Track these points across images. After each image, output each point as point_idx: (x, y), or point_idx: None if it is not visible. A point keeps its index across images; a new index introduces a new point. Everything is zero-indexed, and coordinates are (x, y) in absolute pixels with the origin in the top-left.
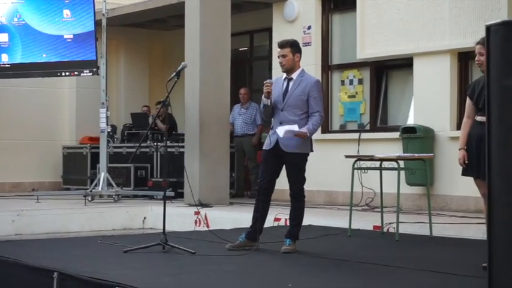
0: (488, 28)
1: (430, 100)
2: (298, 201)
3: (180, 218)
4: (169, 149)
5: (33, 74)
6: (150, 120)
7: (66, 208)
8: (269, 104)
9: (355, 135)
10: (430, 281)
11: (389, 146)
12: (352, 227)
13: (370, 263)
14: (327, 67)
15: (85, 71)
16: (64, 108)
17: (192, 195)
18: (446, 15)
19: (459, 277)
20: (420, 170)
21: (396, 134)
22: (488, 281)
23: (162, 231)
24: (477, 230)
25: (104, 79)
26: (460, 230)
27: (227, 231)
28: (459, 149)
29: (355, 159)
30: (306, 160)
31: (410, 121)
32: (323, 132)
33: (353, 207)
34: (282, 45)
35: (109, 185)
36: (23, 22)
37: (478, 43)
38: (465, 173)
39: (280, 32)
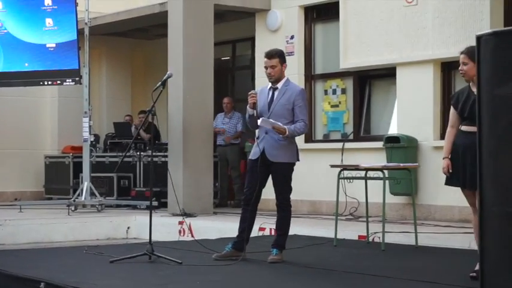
0: (479, 38)
1: (414, 110)
2: (284, 210)
3: (164, 227)
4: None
5: (16, 83)
6: (133, 129)
7: (50, 218)
8: (254, 114)
9: (339, 145)
10: None
11: (373, 156)
12: (338, 236)
13: (357, 273)
14: (310, 77)
15: (68, 80)
16: (46, 118)
17: (177, 204)
18: (429, 25)
19: (447, 286)
20: (405, 179)
21: (380, 144)
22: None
23: (146, 241)
24: (462, 240)
25: (87, 88)
26: (445, 240)
27: (212, 241)
28: (443, 158)
29: (340, 168)
30: (292, 170)
31: (394, 131)
32: (306, 141)
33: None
34: (270, 55)
35: (92, 194)
36: (5, 31)
37: (462, 52)
38: (449, 182)
39: (263, 42)
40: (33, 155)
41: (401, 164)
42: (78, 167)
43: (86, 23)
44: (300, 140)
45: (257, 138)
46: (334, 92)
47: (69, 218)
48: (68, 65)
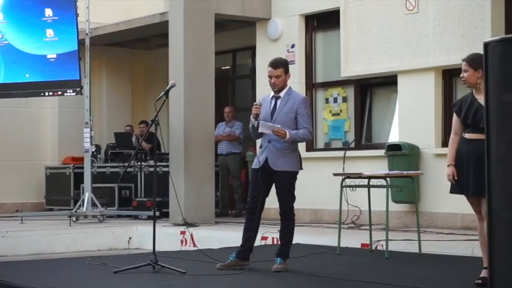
0: (487, 45)
1: (415, 117)
2: (287, 219)
3: (166, 237)
4: (153, 169)
5: (16, 94)
6: (134, 139)
7: (51, 229)
8: (256, 125)
9: (340, 153)
10: None
11: (374, 164)
12: (340, 245)
13: (362, 281)
14: (311, 85)
15: (68, 91)
16: (46, 129)
17: (181, 213)
18: (430, 33)
19: None
20: (407, 187)
21: (381, 152)
22: None
23: (148, 251)
24: (466, 247)
25: (88, 99)
26: (448, 247)
27: (215, 250)
28: (448, 166)
29: (342, 177)
30: (296, 178)
31: (395, 138)
32: (308, 150)
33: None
34: (276, 65)
35: (93, 205)
36: (6, 42)
37: (463, 60)
38: (453, 190)
39: (264, 51)
40: (34, 166)
41: (405, 172)
42: (78, 178)
43: (86, 34)
44: (301, 149)
45: (260, 147)
46: (335, 100)
47: (71, 228)
48: (69, 75)
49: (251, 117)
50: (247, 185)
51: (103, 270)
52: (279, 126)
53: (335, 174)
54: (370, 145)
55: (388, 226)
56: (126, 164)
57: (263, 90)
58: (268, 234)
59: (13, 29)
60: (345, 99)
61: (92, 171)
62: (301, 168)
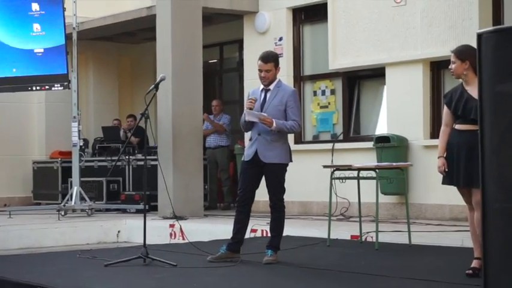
0: (480, 36)
1: (403, 109)
2: (278, 211)
3: (155, 231)
4: (141, 162)
5: (4, 88)
6: (121, 133)
7: (40, 223)
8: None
9: (329, 146)
10: None
11: (363, 156)
12: (330, 237)
13: (353, 272)
14: (299, 78)
15: (56, 85)
16: (33, 123)
17: (171, 206)
18: (418, 25)
19: (444, 284)
20: (397, 179)
21: (369, 144)
22: (483, 286)
23: (137, 244)
24: (455, 238)
25: (76, 93)
26: (438, 238)
27: (205, 243)
28: (438, 157)
29: (332, 169)
30: (286, 170)
31: (384, 131)
32: (296, 143)
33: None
34: (266, 60)
35: (82, 199)
36: None
37: (452, 51)
38: (445, 181)
39: (252, 44)
40: (21, 161)
41: (394, 163)
42: (66, 172)
43: (73, 28)
44: (289, 142)
45: (250, 139)
46: (323, 93)
47: (60, 222)
48: (56, 70)
49: (244, 111)
50: (236, 178)
51: (93, 263)
52: (265, 114)
53: (325, 166)
54: (358, 137)
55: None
56: (114, 158)
57: (251, 84)
58: (258, 226)
59: (0, 23)
60: (333, 92)
61: (80, 165)
62: (291, 161)
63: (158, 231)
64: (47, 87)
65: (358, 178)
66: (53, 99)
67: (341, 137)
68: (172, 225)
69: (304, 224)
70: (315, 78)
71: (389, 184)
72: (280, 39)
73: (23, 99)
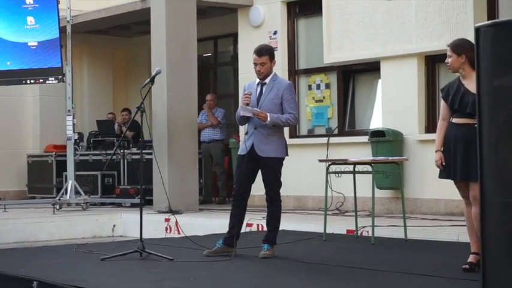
0: (478, 29)
1: (398, 104)
2: (274, 205)
3: (150, 225)
4: (136, 156)
5: None
6: (116, 127)
7: (35, 217)
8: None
9: (324, 140)
10: (411, 283)
11: (358, 150)
12: (326, 231)
13: (350, 267)
14: (293, 72)
15: (50, 79)
16: (28, 117)
17: (168, 200)
18: (413, 19)
19: (440, 279)
20: (392, 173)
21: (364, 138)
22: (481, 281)
23: (132, 238)
24: (451, 233)
25: (70, 86)
26: (433, 233)
27: (201, 237)
28: (435, 151)
29: (327, 163)
30: (282, 164)
31: (379, 125)
32: (291, 137)
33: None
34: (261, 53)
35: (77, 193)
36: None
37: (448, 45)
38: (442, 175)
39: (246, 38)
40: (16, 154)
41: (390, 158)
42: (61, 166)
43: (68, 21)
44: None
45: (246, 133)
46: (318, 87)
47: (55, 216)
48: (51, 63)
49: (240, 106)
50: (230, 172)
51: (90, 257)
52: (258, 109)
53: (320, 161)
54: (353, 131)
55: (370, 212)
56: (108, 152)
57: (245, 77)
58: (253, 221)
59: None
60: (327, 86)
61: (74, 159)
62: (287, 155)
63: (154, 225)
64: (41, 80)
65: (354, 172)
66: (47, 92)
67: (336, 131)
68: (167, 220)
69: (299, 218)
70: (309, 72)
71: (385, 179)
72: (275, 32)
73: (17, 93)
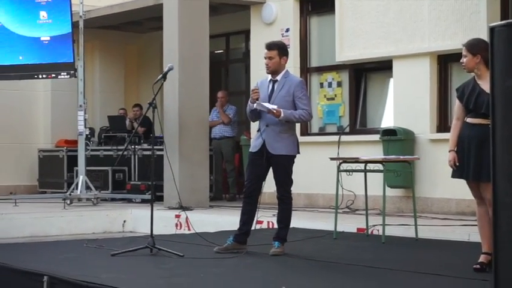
0: (492, 29)
1: (410, 102)
2: (285, 203)
3: (160, 221)
4: (147, 152)
5: (10, 76)
6: (127, 122)
7: (45, 212)
8: (253, 107)
9: (335, 138)
10: (421, 282)
11: (369, 149)
12: (337, 229)
13: (360, 265)
14: (305, 69)
15: (62, 73)
16: (39, 111)
17: (178, 197)
18: (426, 18)
19: (451, 278)
20: (403, 172)
21: (376, 137)
22: (493, 281)
23: (143, 234)
24: (462, 232)
25: (82, 82)
26: (444, 232)
27: (211, 234)
28: (449, 151)
29: (339, 161)
30: (293, 162)
31: (390, 124)
32: (302, 134)
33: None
34: (269, 47)
35: (87, 188)
36: None
37: (463, 45)
38: (455, 175)
39: (258, 35)
40: (27, 149)
41: (402, 157)
42: (72, 161)
43: (80, 16)
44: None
45: (258, 130)
46: (329, 85)
47: (65, 211)
48: (63, 58)
49: (249, 101)
50: (241, 170)
51: (100, 252)
52: (275, 106)
53: (332, 159)
54: (364, 130)
55: (381, 210)
56: (119, 147)
57: (257, 74)
58: (264, 218)
59: (6, 11)
60: (339, 84)
61: (85, 154)
62: (299, 153)
63: (164, 221)
64: (53, 75)
65: (365, 171)
66: (58, 87)
67: (347, 130)
68: (178, 216)
69: (310, 216)
70: (321, 70)
71: (396, 177)
72: (287, 30)
73: (29, 87)
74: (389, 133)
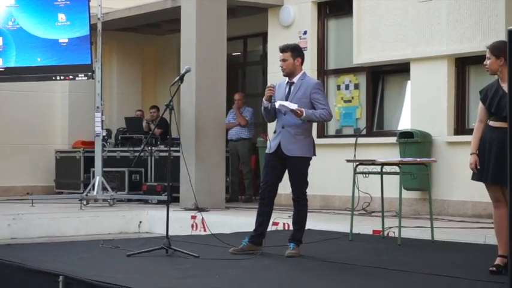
0: (510, 32)
1: (427, 105)
2: (301, 205)
3: (176, 222)
4: (163, 154)
5: (28, 78)
6: (144, 124)
7: (62, 212)
8: (269, 107)
9: (351, 140)
10: (437, 284)
11: (385, 151)
12: (353, 231)
13: (375, 267)
14: (322, 72)
15: (80, 75)
16: (57, 113)
17: (194, 198)
18: (444, 21)
19: (467, 281)
20: (420, 174)
21: (393, 139)
22: (509, 284)
23: (159, 235)
24: (478, 235)
25: (99, 83)
26: (460, 235)
27: (227, 235)
28: (471, 154)
29: (355, 163)
30: (309, 164)
31: (407, 126)
32: (319, 136)
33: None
34: (282, 49)
35: (104, 189)
36: (18, 26)
37: (487, 47)
38: (475, 177)
39: (276, 37)
40: (44, 150)
41: (418, 159)
42: (88, 162)
43: (98, 18)
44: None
45: (274, 132)
46: (347, 87)
47: (81, 212)
48: (81, 60)
49: (263, 99)
50: (257, 171)
51: (116, 253)
52: (296, 105)
53: (348, 161)
54: (381, 132)
55: (397, 212)
56: (136, 149)
57: (274, 77)
58: (279, 219)
59: (25, 13)
60: (356, 86)
61: (102, 155)
62: (315, 154)
63: (180, 222)
64: (71, 77)
65: (381, 173)
66: (76, 89)
67: (364, 132)
68: (194, 217)
69: (326, 218)
70: (338, 72)
71: (413, 180)
72: (305, 32)
73: (47, 89)
74: (406, 135)
